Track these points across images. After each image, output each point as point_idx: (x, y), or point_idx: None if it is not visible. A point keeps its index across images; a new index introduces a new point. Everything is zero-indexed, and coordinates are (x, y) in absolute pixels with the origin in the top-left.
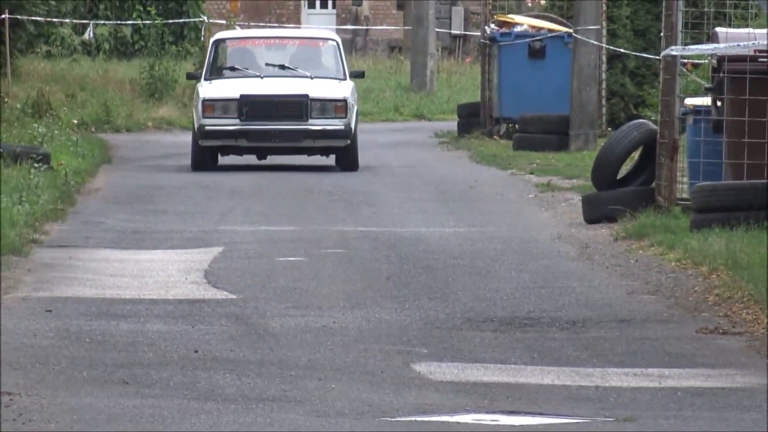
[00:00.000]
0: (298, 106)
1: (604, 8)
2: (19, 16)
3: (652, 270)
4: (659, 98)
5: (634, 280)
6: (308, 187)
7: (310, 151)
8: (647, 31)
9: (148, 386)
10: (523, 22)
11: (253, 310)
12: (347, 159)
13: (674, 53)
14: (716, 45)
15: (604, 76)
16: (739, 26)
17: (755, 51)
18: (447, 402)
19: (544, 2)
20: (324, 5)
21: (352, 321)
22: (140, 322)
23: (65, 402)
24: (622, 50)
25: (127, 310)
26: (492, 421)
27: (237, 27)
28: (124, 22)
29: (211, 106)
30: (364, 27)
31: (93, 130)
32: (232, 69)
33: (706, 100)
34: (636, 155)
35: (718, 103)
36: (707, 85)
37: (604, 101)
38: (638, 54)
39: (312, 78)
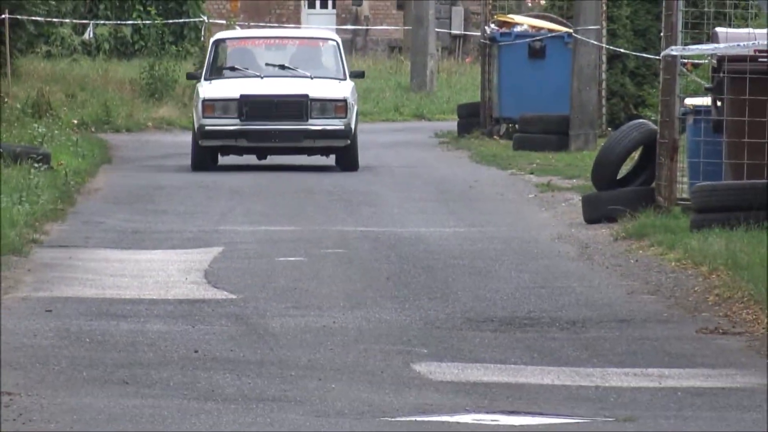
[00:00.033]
0: (298, 106)
1: (604, 8)
2: (19, 16)
3: (652, 270)
4: (659, 98)
5: (634, 280)
6: (308, 187)
7: (310, 151)
8: (647, 31)
9: (148, 386)
10: (523, 22)
11: (253, 310)
12: (347, 159)
13: (674, 53)
14: (716, 45)
15: (604, 76)
16: (739, 26)
17: (755, 51)
18: (447, 402)
19: (544, 2)
20: (324, 5)
21: (352, 321)
22: (140, 322)
23: (65, 402)
24: (622, 50)
25: (127, 310)
26: (492, 421)
27: (237, 27)
28: (124, 22)
29: (211, 106)
30: (364, 27)
31: (93, 130)
32: (232, 69)
33: (706, 100)
34: (636, 155)
35: (718, 103)
36: (707, 85)
37: (604, 101)
38: (638, 54)
39: (312, 78)
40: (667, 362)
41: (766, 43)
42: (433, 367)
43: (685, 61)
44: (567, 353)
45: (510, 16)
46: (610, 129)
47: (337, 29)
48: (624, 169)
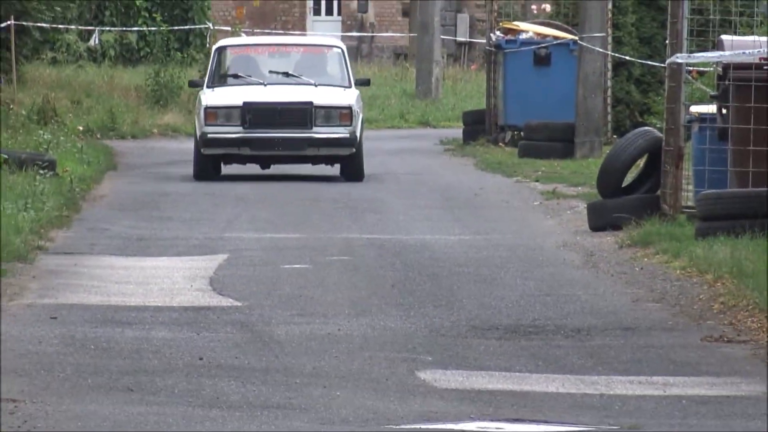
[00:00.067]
0: (302, 114)
1: (610, 16)
2: (24, 23)
3: (657, 278)
4: (664, 106)
5: (639, 287)
6: (313, 194)
7: (314, 160)
8: (653, 39)
9: (153, 393)
10: (529, 29)
11: (258, 318)
12: (352, 169)
13: (679, 61)
14: (721, 53)
15: (609, 83)
16: (744, 34)
17: (761, 59)
18: (452, 409)
19: (549, 9)
20: (329, 12)
21: (357, 328)
22: (145, 329)
23: (70, 409)
24: (627, 58)
25: (132, 317)
26: (496, 428)
27: (242, 34)
28: (129, 29)
29: (213, 113)
30: (370, 34)
31: (98, 136)
32: (235, 76)
33: (711, 108)
34: (641, 163)
35: (724, 111)
36: (712, 93)
37: (609, 109)
38: (644, 61)
39: (316, 85)
40: (671, 370)
41: None
42: (438, 374)
43: (691, 68)
44: (572, 361)
45: (515, 23)
46: (615, 136)
47: (342, 36)
48: (629, 177)
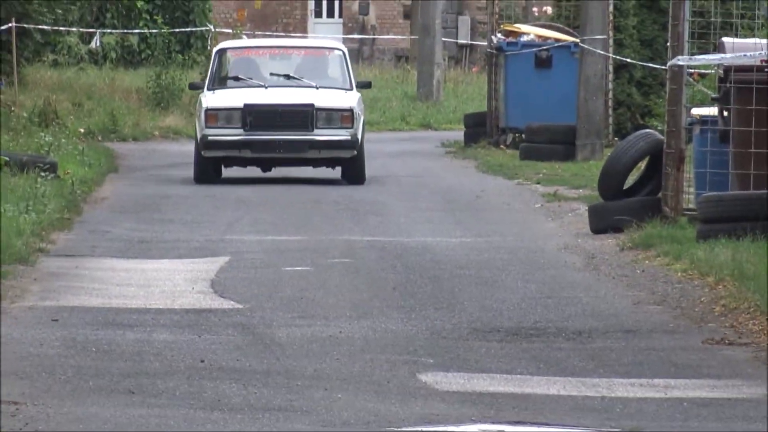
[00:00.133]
0: (303, 116)
1: (611, 18)
2: (26, 25)
3: (658, 280)
4: (666, 108)
5: (641, 290)
6: (315, 197)
7: (316, 163)
8: (654, 41)
9: (154, 396)
10: (530, 31)
11: (259, 320)
12: (353, 171)
13: (681, 63)
14: (723, 55)
15: (610, 85)
16: (745, 36)
17: (762, 61)
18: (453, 412)
19: (550, 12)
20: (330, 14)
21: (358, 331)
22: (146, 332)
23: (71, 411)
24: (628, 60)
25: (134, 319)
26: (498, 431)
27: (243, 36)
28: (130, 31)
29: (214, 115)
30: (371, 36)
31: (99, 139)
32: (236, 79)
33: (712, 110)
34: (642, 165)
35: (725, 113)
36: (714, 95)
37: (610, 111)
38: (645, 64)
39: (318, 88)
40: (673, 373)
41: None
42: (440, 377)
43: (692, 71)
44: (573, 363)
45: (517, 25)
46: (616, 139)
47: (343, 38)
48: (630, 179)
